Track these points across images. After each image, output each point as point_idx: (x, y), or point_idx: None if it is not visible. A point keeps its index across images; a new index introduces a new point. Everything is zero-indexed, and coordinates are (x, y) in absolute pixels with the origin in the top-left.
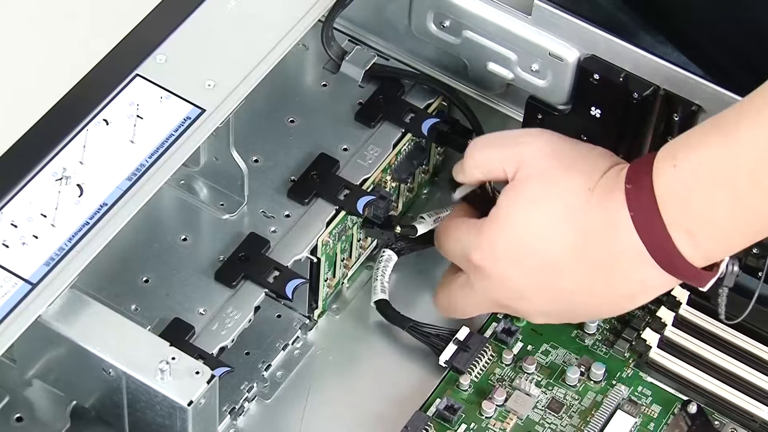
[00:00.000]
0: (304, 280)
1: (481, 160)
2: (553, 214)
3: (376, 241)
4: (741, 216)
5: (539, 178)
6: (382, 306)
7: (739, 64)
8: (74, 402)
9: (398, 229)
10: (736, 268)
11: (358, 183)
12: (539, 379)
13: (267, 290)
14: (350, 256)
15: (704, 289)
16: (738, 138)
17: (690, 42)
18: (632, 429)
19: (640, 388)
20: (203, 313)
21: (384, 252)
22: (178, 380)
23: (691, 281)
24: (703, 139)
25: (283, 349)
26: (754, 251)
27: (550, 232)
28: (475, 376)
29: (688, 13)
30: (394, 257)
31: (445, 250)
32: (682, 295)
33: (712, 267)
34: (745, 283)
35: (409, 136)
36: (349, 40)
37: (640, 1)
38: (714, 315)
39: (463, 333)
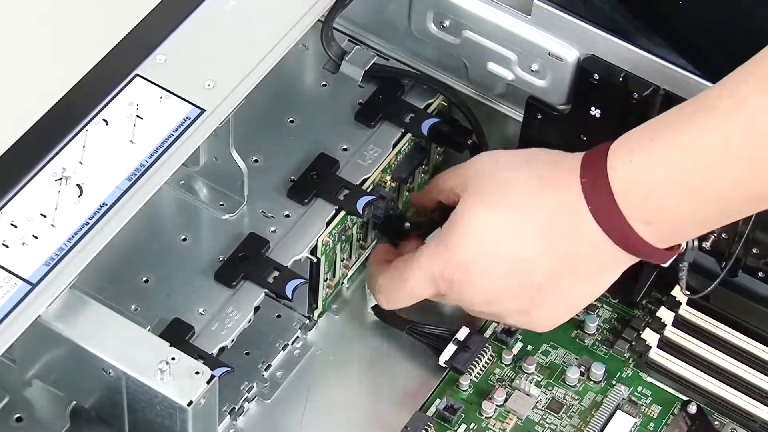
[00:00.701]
0: (304, 281)
1: (435, 187)
2: (514, 214)
3: (375, 241)
4: (697, 208)
5: (491, 185)
6: (379, 310)
7: (734, 65)
8: (74, 402)
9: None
10: (695, 243)
11: (357, 183)
12: (539, 379)
13: (267, 290)
14: (350, 257)
15: (665, 265)
16: (692, 138)
17: (686, 44)
18: (632, 429)
19: (640, 389)
20: (203, 313)
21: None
22: (177, 380)
23: (653, 260)
24: (658, 135)
25: (283, 349)
26: (754, 251)
27: (514, 230)
28: (475, 377)
29: (684, 15)
30: None
31: (407, 285)
32: (681, 295)
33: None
34: (743, 283)
35: (408, 136)
36: (349, 40)
37: (636, 3)
38: (714, 315)
39: (463, 333)
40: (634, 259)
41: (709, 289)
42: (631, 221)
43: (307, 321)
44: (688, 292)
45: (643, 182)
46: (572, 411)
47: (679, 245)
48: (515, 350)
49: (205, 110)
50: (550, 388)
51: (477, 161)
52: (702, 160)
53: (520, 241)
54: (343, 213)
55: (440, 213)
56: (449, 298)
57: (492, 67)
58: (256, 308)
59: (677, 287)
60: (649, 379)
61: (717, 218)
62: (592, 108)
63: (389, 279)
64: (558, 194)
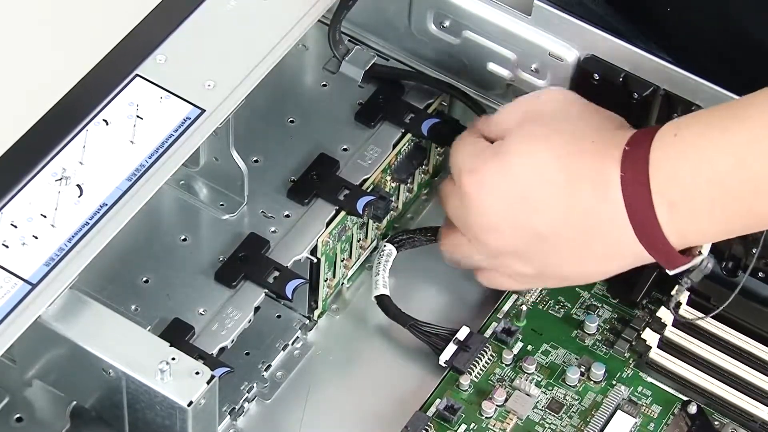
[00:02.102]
0: (304, 281)
1: (497, 119)
2: (549, 155)
3: (375, 241)
4: (719, 199)
5: (546, 120)
6: (384, 301)
7: (726, 69)
8: (74, 402)
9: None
10: (709, 266)
11: (357, 183)
12: (539, 379)
13: (267, 290)
14: (350, 257)
15: (671, 273)
16: (736, 122)
17: (680, 48)
18: (632, 429)
19: (640, 389)
20: (203, 313)
21: (385, 246)
22: (178, 381)
23: (662, 259)
24: (708, 116)
25: (283, 349)
26: (754, 251)
27: (540, 170)
28: (475, 376)
29: (678, 20)
30: (394, 252)
31: (451, 163)
32: (682, 295)
33: (688, 254)
34: (746, 284)
35: (408, 136)
36: (349, 40)
37: (631, 7)
38: (714, 316)
39: (463, 333)
40: (642, 255)
41: (705, 315)
42: (656, 197)
43: (307, 321)
44: (675, 314)
45: (679, 157)
46: (572, 411)
47: (691, 256)
48: (515, 350)
49: (205, 110)
50: (550, 388)
51: (550, 94)
52: (737, 145)
53: (540, 187)
54: (343, 213)
55: None
56: (456, 212)
57: (492, 67)
58: (256, 308)
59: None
60: (650, 379)
61: (738, 217)
62: None
63: (456, 145)
64: (601, 157)
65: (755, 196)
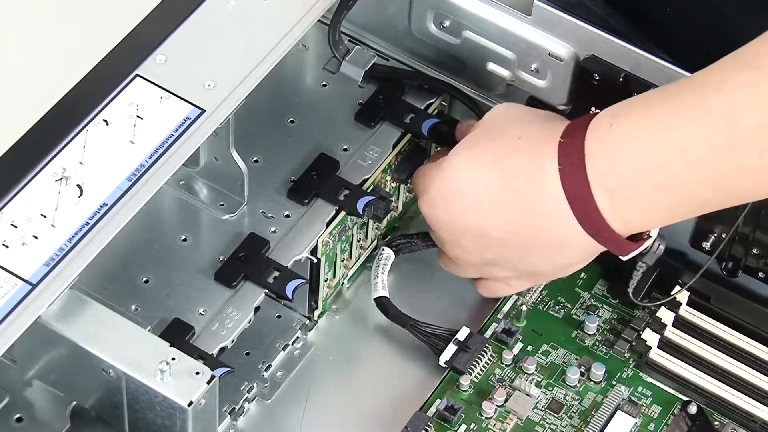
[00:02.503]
0: (304, 281)
1: (459, 129)
2: (485, 160)
3: (375, 241)
4: (662, 184)
5: (483, 129)
6: (383, 303)
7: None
8: (74, 402)
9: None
10: (661, 248)
11: (358, 183)
12: (539, 379)
13: (267, 290)
14: (350, 257)
15: (624, 259)
16: (674, 108)
17: (677, 49)
18: (632, 429)
19: (640, 389)
20: (203, 313)
21: (383, 250)
22: (178, 381)
23: (611, 247)
24: (643, 104)
25: (283, 349)
26: (754, 251)
27: (478, 175)
28: (475, 377)
29: (674, 21)
30: (393, 255)
31: (418, 191)
32: (682, 295)
33: (638, 239)
34: (743, 283)
35: (409, 136)
36: (349, 40)
37: (630, 8)
38: (714, 316)
39: (463, 333)
40: (594, 245)
41: (644, 294)
42: (594, 187)
43: (308, 321)
44: (635, 299)
45: (618, 144)
46: (572, 411)
47: (641, 241)
48: (515, 350)
49: (205, 110)
50: (550, 388)
51: (494, 109)
52: (678, 131)
53: (483, 186)
54: (343, 213)
55: None
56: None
57: (492, 67)
58: (257, 308)
59: (677, 288)
60: (650, 380)
61: (680, 202)
62: (592, 108)
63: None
64: (534, 152)
65: (698, 181)
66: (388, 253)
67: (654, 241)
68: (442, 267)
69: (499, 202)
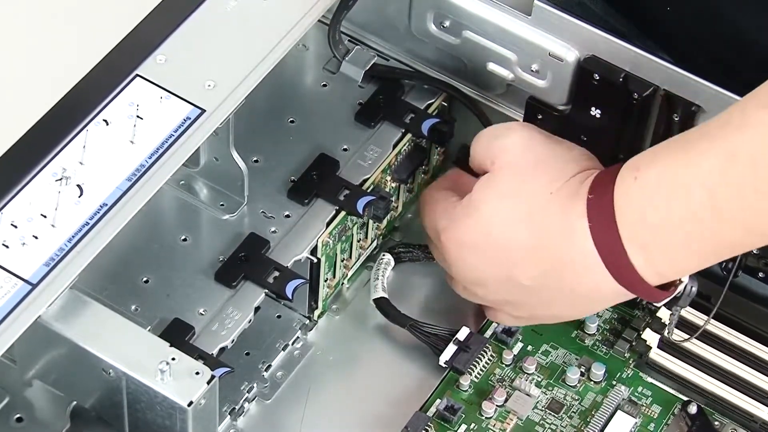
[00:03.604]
0: (304, 281)
1: (472, 153)
2: (516, 211)
3: (375, 241)
4: (694, 233)
5: (510, 173)
6: (382, 304)
7: (722, 71)
8: (74, 402)
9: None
10: (693, 289)
11: (358, 183)
12: (539, 379)
13: (267, 290)
14: (350, 257)
15: (659, 305)
16: (698, 154)
17: (677, 49)
18: (632, 429)
19: (640, 389)
20: (203, 313)
21: (384, 255)
22: (178, 381)
23: (644, 296)
24: (666, 153)
25: (283, 349)
26: (754, 251)
27: (511, 227)
28: (476, 377)
29: (674, 21)
30: (393, 262)
31: (422, 219)
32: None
33: (670, 286)
34: (743, 283)
35: (409, 136)
36: (349, 40)
37: (630, 8)
38: (714, 316)
39: (463, 333)
40: (626, 294)
41: (697, 333)
42: (626, 242)
43: (308, 321)
44: (677, 338)
45: (645, 198)
46: (572, 411)
47: (675, 287)
48: (515, 350)
49: (205, 110)
50: (550, 388)
51: (510, 137)
52: (705, 176)
53: (515, 239)
54: (343, 213)
55: None
56: (443, 265)
57: (492, 67)
58: (257, 308)
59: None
60: (650, 380)
61: (713, 248)
62: (593, 108)
63: (425, 202)
64: (565, 210)
65: (729, 226)
66: (388, 258)
67: (686, 285)
68: (453, 289)
69: (531, 254)
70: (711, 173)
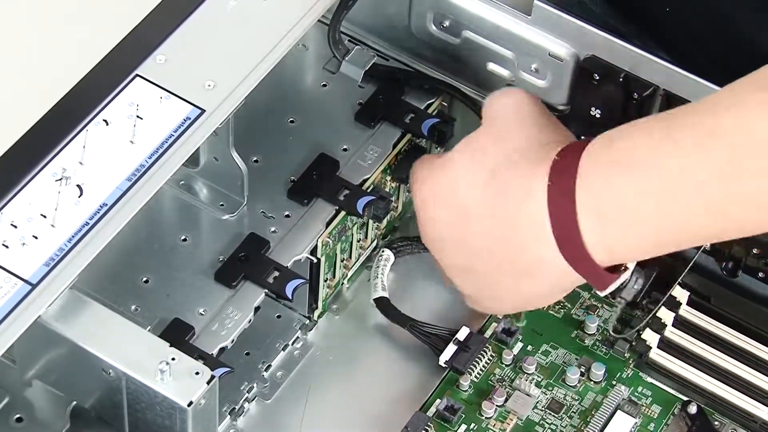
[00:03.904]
0: (304, 281)
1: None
2: (483, 169)
3: (375, 241)
4: (658, 210)
5: (489, 131)
6: (383, 304)
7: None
8: (74, 402)
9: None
10: (639, 282)
11: (357, 183)
12: (539, 379)
13: (267, 290)
14: (350, 257)
15: (602, 294)
16: (679, 128)
17: (676, 49)
18: (632, 429)
19: (640, 389)
20: (203, 313)
21: (383, 251)
22: (178, 381)
23: (588, 276)
24: (646, 123)
25: (283, 349)
26: (754, 251)
27: (474, 181)
28: (475, 377)
29: (674, 21)
30: (393, 257)
31: (412, 173)
32: (682, 295)
33: (615, 271)
34: (743, 283)
35: (408, 136)
36: (349, 40)
37: (630, 8)
38: (714, 316)
39: (463, 333)
40: (569, 274)
41: (636, 329)
42: (581, 210)
43: (307, 321)
44: (615, 334)
45: (611, 168)
46: (572, 411)
47: (620, 272)
48: (515, 350)
49: (205, 110)
50: (550, 388)
51: (502, 99)
52: (681, 152)
53: (475, 197)
54: (343, 213)
55: None
56: (418, 228)
57: (492, 67)
58: (256, 308)
59: (677, 288)
60: (650, 380)
61: (673, 231)
62: (592, 108)
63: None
64: (529, 170)
65: (695, 207)
66: (387, 254)
67: (632, 275)
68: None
69: (486, 212)
70: (687, 149)
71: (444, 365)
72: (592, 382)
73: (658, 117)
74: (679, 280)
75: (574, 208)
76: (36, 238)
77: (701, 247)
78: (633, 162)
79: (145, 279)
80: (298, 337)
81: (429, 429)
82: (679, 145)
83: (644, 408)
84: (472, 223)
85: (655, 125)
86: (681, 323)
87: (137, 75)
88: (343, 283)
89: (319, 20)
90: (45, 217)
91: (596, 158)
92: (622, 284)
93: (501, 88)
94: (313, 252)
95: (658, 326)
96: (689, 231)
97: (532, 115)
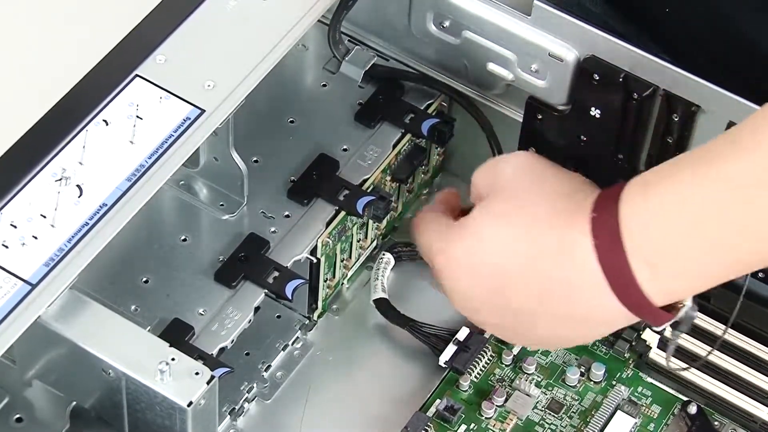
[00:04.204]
0: (303, 281)
1: (472, 184)
2: (514, 232)
3: (375, 241)
4: (704, 249)
5: (507, 195)
6: (382, 305)
7: (722, 71)
8: (74, 402)
9: None
10: (695, 313)
11: (357, 183)
12: (539, 379)
13: (267, 291)
14: (350, 257)
15: (658, 330)
16: (710, 169)
17: (676, 49)
18: (632, 429)
19: (640, 389)
20: (203, 313)
21: (384, 255)
22: (177, 381)
23: (646, 318)
24: (676, 169)
25: (283, 349)
26: None
27: (507, 248)
28: (475, 377)
29: (674, 21)
30: (393, 261)
31: (416, 241)
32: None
33: (672, 308)
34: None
35: (408, 136)
36: (349, 40)
37: (628, 8)
38: (713, 316)
39: (463, 333)
40: (626, 316)
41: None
42: (633, 260)
43: (307, 321)
44: (674, 366)
45: (654, 214)
46: (572, 411)
47: (677, 311)
48: (515, 351)
49: (205, 110)
50: (550, 388)
51: (509, 163)
52: (716, 194)
53: (510, 262)
54: (343, 213)
55: None
56: (437, 278)
57: (492, 67)
58: (256, 308)
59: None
60: (649, 380)
61: (725, 268)
62: (592, 108)
63: (414, 222)
64: (566, 227)
65: (740, 241)
66: (388, 258)
67: (688, 309)
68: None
69: (529, 276)
70: (722, 189)
71: (444, 365)
72: (592, 382)
73: (686, 156)
74: None
75: (626, 261)
76: (36, 238)
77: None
78: (670, 208)
79: (144, 279)
80: (297, 338)
81: (429, 429)
82: (710, 184)
83: (644, 408)
84: (510, 287)
85: (685, 166)
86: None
87: (137, 75)
88: (342, 283)
89: (319, 20)
90: (45, 217)
91: (635, 210)
92: (679, 318)
93: (492, 158)
94: (313, 252)
95: None
96: (739, 265)
97: (544, 170)
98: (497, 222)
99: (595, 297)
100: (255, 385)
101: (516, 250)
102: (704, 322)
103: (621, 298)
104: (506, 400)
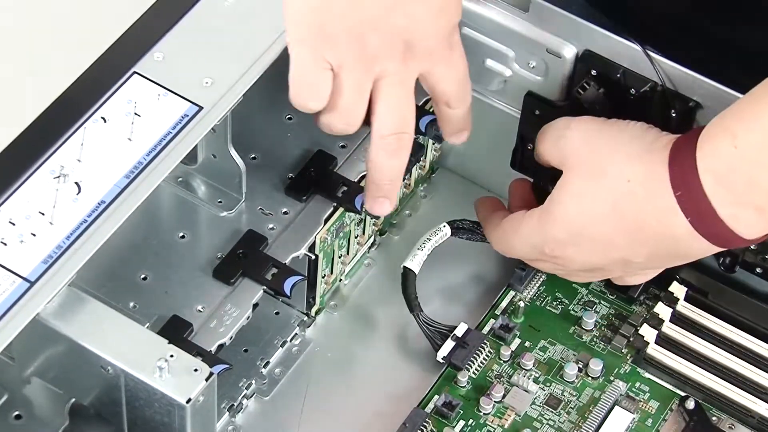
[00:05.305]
0: (302, 277)
1: (538, 152)
2: (601, 206)
3: (373, 237)
4: None
5: (580, 173)
6: (408, 277)
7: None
8: (73, 399)
9: None
10: None
11: (355, 180)
12: (537, 375)
13: (265, 287)
14: (348, 253)
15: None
16: None
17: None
18: (630, 425)
19: (637, 384)
20: (201, 310)
21: (443, 227)
22: (176, 378)
23: (741, 245)
24: (750, 109)
25: (282, 346)
26: (752, 247)
27: (602, 221)
28: (473, 373)
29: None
30: (449, 234)
31: (514, 249)
32: (679, 291)
33: None
34: (741, 279)
35: None
36: None
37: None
38: (712, 311)
39: (461, 329)
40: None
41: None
42: (735, 207)
43: (306, 318)
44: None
45: (753, 162)
46: (570, 407)
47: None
48: (513, 346)
49: (203, 107)
50: (548, 384)
51: (574, 134)
52: None
53: (613, 231)
54: (340, 210)
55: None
56: (551, 268)
57: (490, 63)
58: (255, 305)
59: (675, 283)
60: (647, 375)
61: None
62: (591, 104)
63: (499, 239)
64: (650, 192)
65: None
66: (446, 231)
67: None
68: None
69: (635, 238)
70: None
71: (442, 361)
72: (589, 378)
73: (749, 99)
74: (676, 275)
75: (712, 210)
76: (34, 235)
77: None
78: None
79: (143, 276)
80: (296, 334)
81: (427, 425)
82: None
83: (642, 403)
84: (623, 248)
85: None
86: (678, 319)
87: (135, 72)
88: (341, 280)
89: None
90: (43, 214)
91: (729, 163)
92: None
93: (554, 125)
94: (311, 248)
95: (656, 322)
96: None
97: (605, 137)
98: (580, 201)
99: (693, 244)
100: (253, 381)
101: (609, 221)
102: (702, 317)
103: (716, 242)
104: (504, 396)
